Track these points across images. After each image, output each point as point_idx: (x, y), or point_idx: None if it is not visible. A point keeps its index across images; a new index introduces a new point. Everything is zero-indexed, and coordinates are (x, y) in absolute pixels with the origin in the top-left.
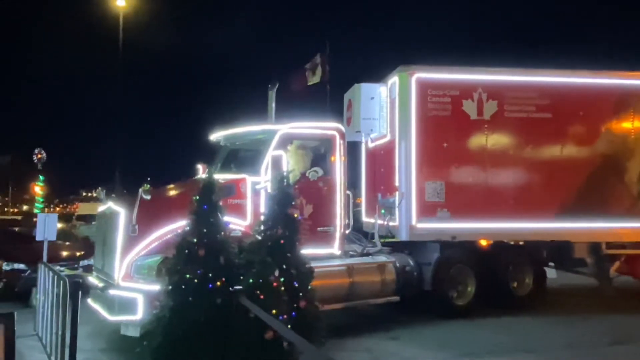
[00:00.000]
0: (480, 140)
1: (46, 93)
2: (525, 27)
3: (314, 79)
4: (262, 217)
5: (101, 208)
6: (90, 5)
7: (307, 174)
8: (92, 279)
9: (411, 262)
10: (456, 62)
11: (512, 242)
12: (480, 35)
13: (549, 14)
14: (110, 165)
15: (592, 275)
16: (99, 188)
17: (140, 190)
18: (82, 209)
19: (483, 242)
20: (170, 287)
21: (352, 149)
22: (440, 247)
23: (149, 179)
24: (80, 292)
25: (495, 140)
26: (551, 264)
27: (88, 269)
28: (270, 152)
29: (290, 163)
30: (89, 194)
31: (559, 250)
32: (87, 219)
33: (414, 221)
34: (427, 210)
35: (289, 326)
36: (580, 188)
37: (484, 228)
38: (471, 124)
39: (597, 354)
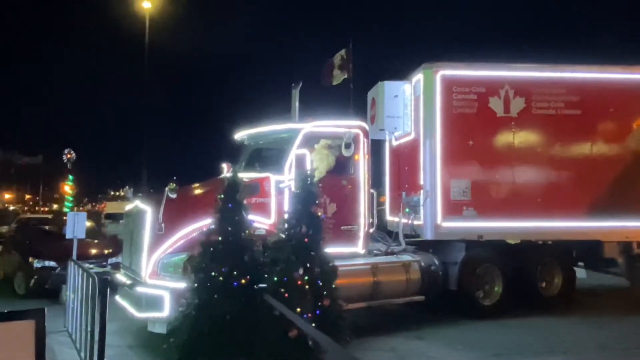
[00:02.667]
0: (507, 138)
1: (76, 94)
2: (552, 20)
3: (340, 77)
4: (285, 216)
5: (128, 207)
6: (118, 7)
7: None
8: (120, 276)
9: (436, 262)
10: (482, 58)
11: (540, 241)
12: (506, 30)
13: (576, 6)
14: (137, 165)
15: (623, 275)
16: (126, 187)
17: (166, 189)
18: (110, 207)
19: (510, 241)
20: (196, 284)
21: (376, 147)
22: (466, 246)
23: (175, 177)
24: (108, 289)
25: (523, 137)
26: (581, 263)
27: (116, 267)
28: (294, 151)
29: (314, 161)
30: (117, 193)
31: (589, 250)
32: (115, 217)
33: (439, 220)
34: (453, 208)
35: (313, 324)
36: (611, 186)
37: (511, 227)
38: (498, 121)
39: (629, 357)
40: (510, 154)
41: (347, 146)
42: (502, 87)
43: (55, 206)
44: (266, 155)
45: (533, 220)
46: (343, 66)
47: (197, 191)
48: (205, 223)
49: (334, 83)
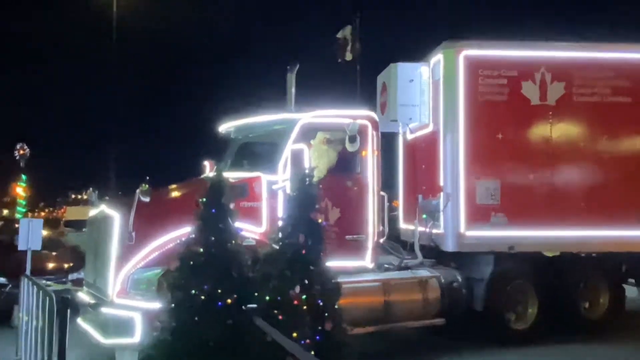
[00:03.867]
0: (544, 130)
1: (31, 79)
2: None
3: (345, 56)
4: (280, 223)
5: (92, 212)
6: None
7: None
8: (83, 295)
9: (459, 278)
10: (513, 35)
11: (583, 254)
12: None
13: None
14: (103, 163)
15: None
16: (90, 189)
17: (137, 191)
18: (70, 213)
19: (548, 254)
20: (172, 304)
21: (388, 142)
22: (494, 259)
23: (148, 177)
24: (68, 310)
25: (562, 129)
26: (631, 280)
27: (78, 283)
28: (290, 146)
29: (313, 159)
30: (79, 196)
31: None
32: (77, 225)
33: (462, 228)
34: (479, 214)
35: (313, 352)
36: None
37: (549, 236)
38: (532, 111)
39: None
40: (547, 149)
41: (352, 140)
42: (537, 69)
43: (5, 212)
44: (256, 151)
45: (575, 228)
46: (348, 46)
47: (175, 194)
48: (183, 232)
49: (340, 60)
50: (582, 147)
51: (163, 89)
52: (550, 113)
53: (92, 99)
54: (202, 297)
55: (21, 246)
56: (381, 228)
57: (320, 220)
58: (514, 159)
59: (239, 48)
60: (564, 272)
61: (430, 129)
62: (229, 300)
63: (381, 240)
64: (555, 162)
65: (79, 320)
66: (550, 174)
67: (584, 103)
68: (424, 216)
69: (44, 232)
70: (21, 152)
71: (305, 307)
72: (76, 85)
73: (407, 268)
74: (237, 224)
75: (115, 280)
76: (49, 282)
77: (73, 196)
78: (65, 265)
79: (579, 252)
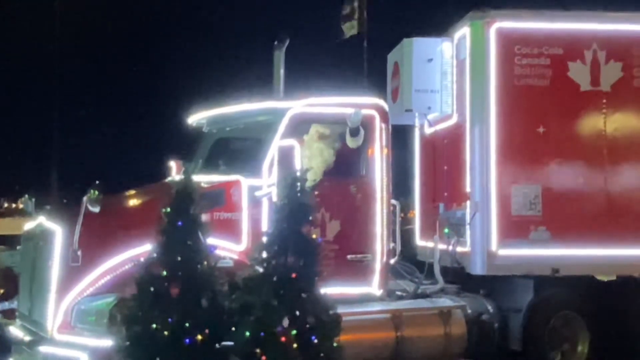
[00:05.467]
0: (596, 123)
1: None
2: None
3: (350, 30)
4: (264, 239)
5: (28, 225)
6: None
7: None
8: (16, 330)
9: (490, 308)
10: (557, 5)
11: None
12: None
13: None
14: (43, 163)
15: None
16: (26, 196)
17: (85, 199)
18: (1, 226)
19: (601, 278)
20: (128, 342)
21: (401, 136)
22: (535, 285)
23: (98, 182)
24: None
25: (619, 121)
26: None
27: (9, 315)
28: (277, 142)
29: (306, 159)
30: (11, 205)
31: None
32: (8, 241)
33: (494, 246)
34: (515, 228)
35: None
36: None
37: (603, 256)
38: (582, 98)
39: None
40: (601, 146)
41: (354, 133)
42: (588, 47)
43: None
44: (235, 149)
45: (635, 246)
46: (353, 16)
47: (132, 202)
48: (142, 250)
49: (345, 37)
50: None
51: (118, 69)
52: (605, 101)
53: (28, 83)
54: (166, 333)
55: None
56: (392, 245)
57: (315, 236)
58: (559, 159)
59: (215, 18)
60: (622, 301)
61: (454, 120)
62: (199, 337)
63: (392, 261)
64: (611, 162)
65: None
66: (605, 178)
67: None
68: (446, 231)
69: None
70: None
71: (295, 346)
72: (14, 68)
73: (424, 296)
74: (210, 240)
75: (56, 311)
76: None
77: (5, 205)
78: None
79: None
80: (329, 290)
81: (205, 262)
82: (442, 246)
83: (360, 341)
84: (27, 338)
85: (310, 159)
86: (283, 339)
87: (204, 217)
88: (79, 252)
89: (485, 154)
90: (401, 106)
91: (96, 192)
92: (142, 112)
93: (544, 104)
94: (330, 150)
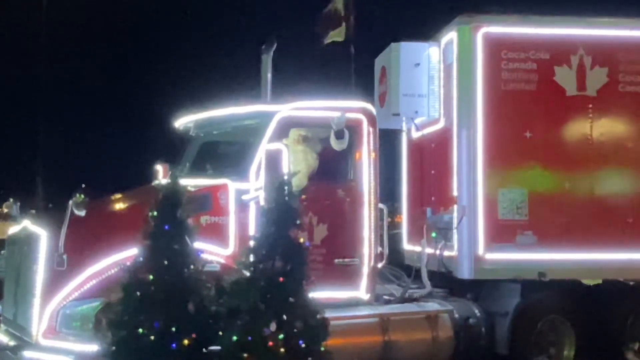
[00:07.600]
0: (582, 128)
1: None
2: None
3: (335, 36)
4: (251, 243)
5: (13, 229)
6: None
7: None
8: (0, 335)
9: (477, 313)
10: (543, 10)
11: (631, 282)
12: None
13: None
14: (27, 167)
15: None
16: (10, 200)
17: (71, 202)
18: None
19: (587, 282)
20: (114, 347)
21: (388, 141)
22: (521, 289)
23: (84, 185)
24: None
25: (605, 126)
26: None
27: None
28: (264, 146)
29: (292, 163)
30: None
31: None
32: None
33: (481, 250)
34: (502, 233)
35: None
36: None
37: (589, 260)
38: (568, 103)
39: None
40: (587, 151)
41: (339, 135)
42: (574, 52)
43: None
44: (222, 153)
45: (621, 250)
46: (339, 20)
47: (118, 206)
48: (128, 254)
49: (327, 41)
50: (630, 148)
51: (104, 72)
52: (591, 106)
53: (13, 86)
54: (152, 337)
55: None
56: (379, 250)
57: (302, 240)
58: (546, 164)
59: (202, 21)
60: (607, 305)
61: (441, 125)
62: (185, 342)
63: (379, 265)
64: (597, 167)
65: None
66: (591, 182)
67: (632, 94)
68: (434, 235)
69: None
70: None
71: (282, 350)
72: None
73: (412, 300)
74: (197, 245)
75: (41, 315)
76: None
77: None
78: None
79: (627, 280)
80: (317, 294)
81: (192, 266)
82: (429, 250)
83: (347, 345)
84: (12, 343)
85: (294, 163)
86: (270, 343)
87: (191, 221)
88: (65, 256)
89: (472, 158)
90: (389, 110)
91: (82, 196)
92: (129, 116)
93: (530, 109)
94: (310, 154)
